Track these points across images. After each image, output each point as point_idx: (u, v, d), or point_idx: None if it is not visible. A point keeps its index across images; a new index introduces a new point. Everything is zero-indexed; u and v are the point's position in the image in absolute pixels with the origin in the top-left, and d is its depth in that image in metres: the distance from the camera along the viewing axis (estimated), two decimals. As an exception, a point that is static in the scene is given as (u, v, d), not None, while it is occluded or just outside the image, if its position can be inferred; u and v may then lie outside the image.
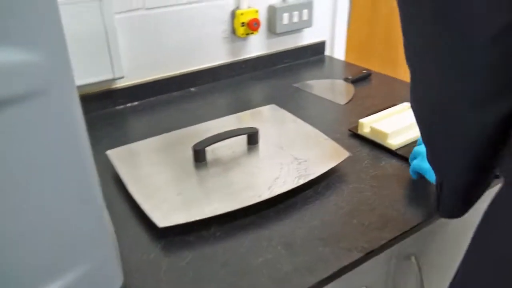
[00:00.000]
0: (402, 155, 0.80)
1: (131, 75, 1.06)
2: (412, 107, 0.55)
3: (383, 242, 0.60)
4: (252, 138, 0.81)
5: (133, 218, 0.67)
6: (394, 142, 0.81)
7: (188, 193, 0.69)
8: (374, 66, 1.61)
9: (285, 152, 0.79)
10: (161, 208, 0.65)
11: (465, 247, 0.48)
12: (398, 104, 0.99)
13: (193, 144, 0.77)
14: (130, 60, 1.05)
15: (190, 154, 0.77)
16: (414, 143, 0.82)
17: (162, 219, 0.63)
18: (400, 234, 0.62)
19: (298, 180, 0.71)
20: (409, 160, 0.75)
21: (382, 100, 1.05)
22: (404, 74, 1.77)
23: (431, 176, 0.65)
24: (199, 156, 0.76)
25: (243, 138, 0.82)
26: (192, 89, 1.17)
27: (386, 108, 0.94)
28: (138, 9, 1.02)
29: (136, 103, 1.07)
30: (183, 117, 1.00)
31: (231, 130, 0.79)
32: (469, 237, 0.48)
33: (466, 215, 0.58)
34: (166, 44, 1.09)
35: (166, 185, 0.71)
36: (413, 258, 0.69)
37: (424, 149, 0.68)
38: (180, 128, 0.89)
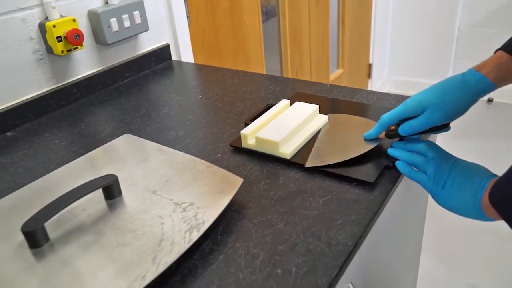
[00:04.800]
0: (299, 163, 0.67)
1: None
2: None
3: (323, 291, 0.46)
4: (111, 190, 0.59)
5: None
6: (287, 150, 0.68)
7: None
8: (228, 63, 1.48)
9: (160, 198, 0.59)
10: None
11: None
12: (273, 102, 0.88)
13: (22, 223, 0.51)
14: None
15: (21, 237, 0.52)
16: (307, 147, 0.71)
17: None
18: (337, 273, 0.49)
19: (190, 235, 0.52)
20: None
21: (252, 102, 0.91)
22: (259, 65, 1.69)
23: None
24: (34, 239, 0.51)
25: (100, 191, 0.59)
26: (9, 133, 0.87)
27: (264, 111, 0.80)
28: None
29: None
30: (4, 177, 0.71)
31: (78, 188, 0.56)
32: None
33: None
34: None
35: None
36: (350, 285, 0.57)
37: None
38: (1, 194, 0.62)
